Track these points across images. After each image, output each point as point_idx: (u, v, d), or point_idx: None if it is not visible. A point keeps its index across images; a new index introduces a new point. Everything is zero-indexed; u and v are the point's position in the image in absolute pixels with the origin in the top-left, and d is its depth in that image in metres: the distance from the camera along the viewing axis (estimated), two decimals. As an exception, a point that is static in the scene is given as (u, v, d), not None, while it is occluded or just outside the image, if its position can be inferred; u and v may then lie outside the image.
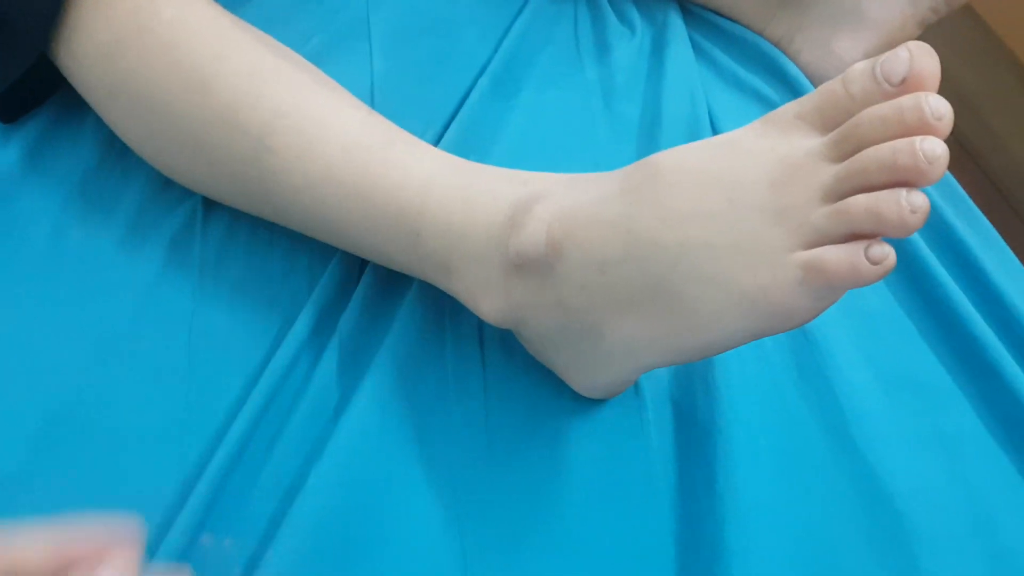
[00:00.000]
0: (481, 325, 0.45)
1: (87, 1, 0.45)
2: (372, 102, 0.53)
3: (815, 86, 0.58)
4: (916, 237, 0.51)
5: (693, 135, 0.54)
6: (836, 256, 0.31)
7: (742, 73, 0.58)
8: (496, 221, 0.39)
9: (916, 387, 0.47)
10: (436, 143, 0.52)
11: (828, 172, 0.32)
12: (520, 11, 0.60)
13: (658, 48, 0.59)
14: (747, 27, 0.61)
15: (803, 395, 0.45)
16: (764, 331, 0.34)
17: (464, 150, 0.49)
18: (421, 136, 0.52)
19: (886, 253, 0.30)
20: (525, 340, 0.42)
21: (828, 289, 0.31)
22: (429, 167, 0.42)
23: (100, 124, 0.50)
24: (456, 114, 0.53)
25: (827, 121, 0.33)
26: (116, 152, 0.50)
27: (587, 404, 0.43)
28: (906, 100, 0.30)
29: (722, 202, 0.33)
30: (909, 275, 0.50)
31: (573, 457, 0.42)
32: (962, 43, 0.79)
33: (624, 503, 0.40)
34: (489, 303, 0.40)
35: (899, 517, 0.42)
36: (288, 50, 0.47)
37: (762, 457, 0.42)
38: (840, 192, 0.32)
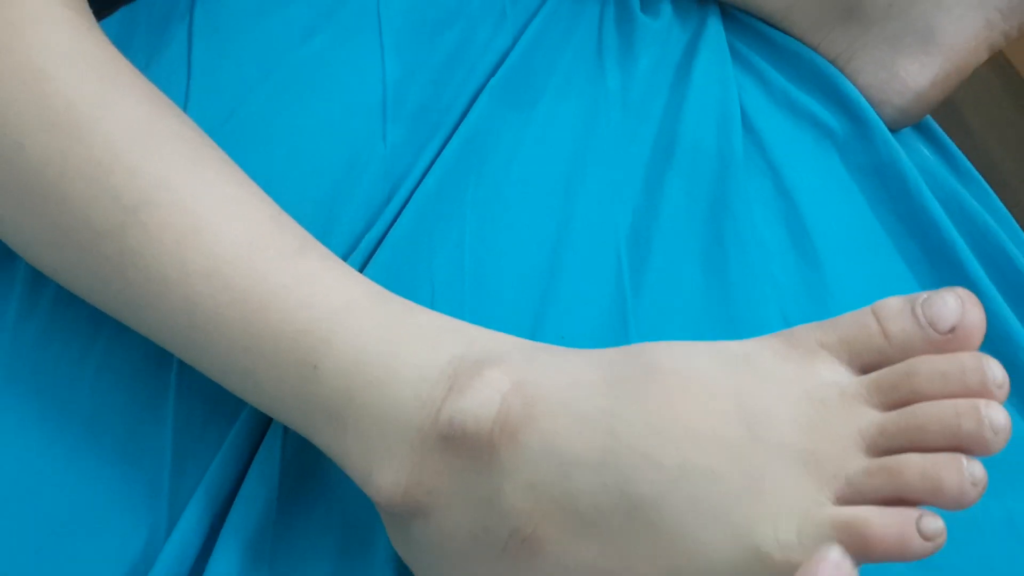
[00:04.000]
0: None
1: None
2: (384, 113, 0.48)
3: (876, 111, 0.52)
4: (991, 287, 0.45)
5: (718, 171, 0.48)
6: (884, 522, 0.27)
7: (795, 93, 0.52)
8: (427, 375, 0.31)
9: (991, 466, 0.42)
10: (439, 152, 0.46)
11: (868, 419, 0.29)
12: (541, 4, 0.54)
13: (688, 57, 0.53)
14: (799, 40, 0.55)
15: None
16: None
17: (465, 164, 0.44)
18: (426, 144, 0.46)
19: (941, 529, 0.27)
20: (411, 538, 0.33)
21: (862, 559, 0.27)
22: (349, 290, 0.34)
23: None
24: (462, 120, 0.47)
25: (855, 357, 0.30)
26: None
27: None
28: (968, 361, 0.28)
29: (738, 430, 0.29)
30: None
31: None
32: None
33: None
34: (390, 477, 0.31)
35: None
36: (180, 111, 0.39)
37: None
38: (885, 447, 0.28)
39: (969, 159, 0.56)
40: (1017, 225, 0.52)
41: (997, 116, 0.96)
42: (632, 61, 0.52)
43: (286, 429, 0.37)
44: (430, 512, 0.32)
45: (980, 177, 0.53)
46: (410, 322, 0.34)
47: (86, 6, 0.41)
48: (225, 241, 0.34)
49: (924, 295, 0.29)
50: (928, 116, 0.56)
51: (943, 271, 0.46)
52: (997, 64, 0.96)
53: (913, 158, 0.51)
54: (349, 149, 0.46)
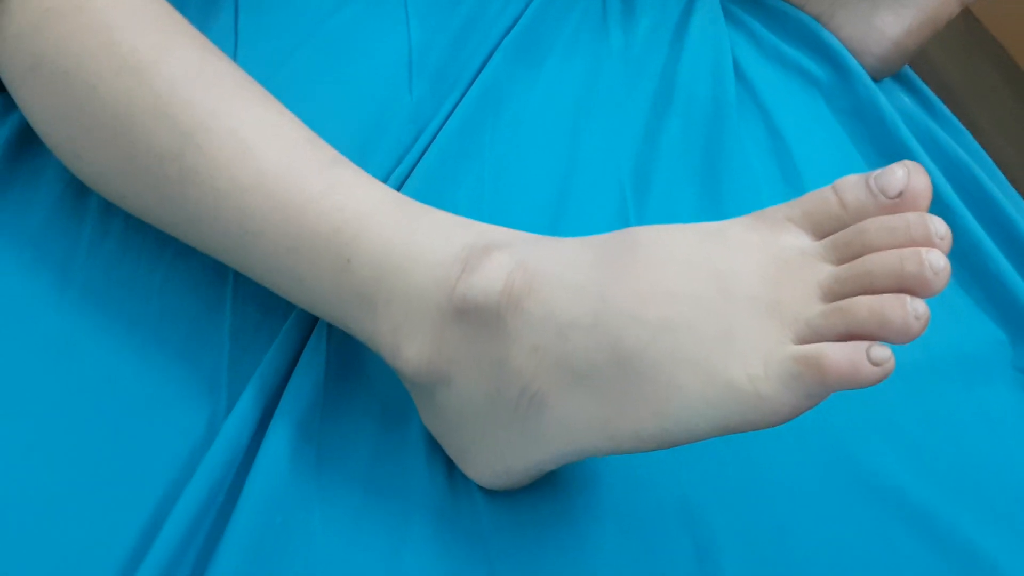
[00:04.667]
0: None
1: None
2: (410, 68, 0.53)
3: (858, 61, 0.57)
4: (962, 207, 0.50)
5: (712, 114, 0.54)
6: (837, 353, 0.29)
7: (784, 47, 0.58)
8: (443, 260, 0.36)
9: (965, 362, 0.46)
10: (459, 102, 0.52)
11: (825, 272, 0.32)
12: None
13: (684, 18, 0.59)
14: (787, 1, 0.60)
15: None
16: (737, 426, 0.31)
17: (482, 111, 0.49)
18: (447, 95, 0.52)
19: (888, 356, 0.29)
20: (436, 405, 0.38)
21: (821, 387, 0.30)
22: (376, 195, 0.39)
23: None
24: (479, 76, 0.53)
25: (816, 226, 0.33)
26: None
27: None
28: (912, 217, 0.31)
29: (710, 287, 0.32)
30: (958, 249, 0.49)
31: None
32: (948, 35, 0.80)
33: None
34: (415, 349, 0.36)
35: (944, 492, 0.42)
36: (228, 57, 0.44)
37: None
38: (839, 293, 0.31)
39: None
40: (992, 161, 0.56)
41: (1004, 110, 0.99)
42: (633, 23, 0.57)
43: (330, 327, 0.42)
44: (451, 379, 0.36)
45: (957, 120, 0.58)
46: (428, 219, 0.38)
47: None
48: (269, 158, 0.39)
49: (878, 171, 0.32)
50: (908, 67, 0.60)
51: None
52: (1001, 58, 0.99)
53: (893, 102, 0.56)
54: (379, 101, 0.52)
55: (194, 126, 0.39)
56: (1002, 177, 0.56)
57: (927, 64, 0.70)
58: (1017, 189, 0.57)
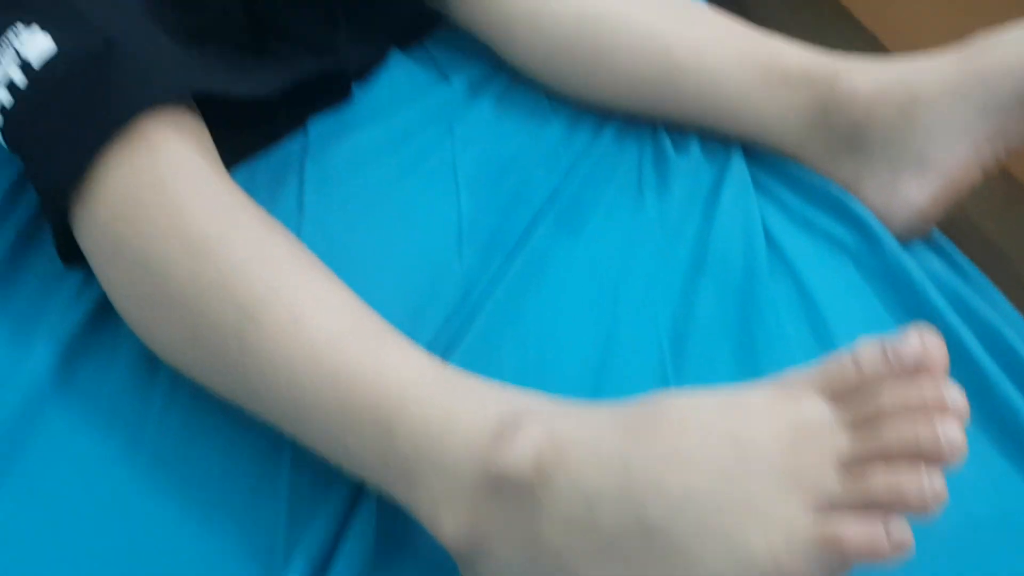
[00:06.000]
0: None
1: (110, 161, 0.45)
2: (460, 237, 0.57)
3: (886, 227, 0.60)
4: (996, 370, 0.51)
5: (745, 278, 0.56)
6: (856, 531, 0.31)
7: (811, 214, 0.60)
8: (478, 433, 0.37)
9: (1007, 523, 0.46)
10: (505, 269, 0.55)
11: (844, 439, 0.33)
12: (588, 150, 0.65)
13: (715, 188, 0.62)
14: (813, 169, 0.63)
15: None
16: None
17: (526, 278, 0.53)
18: (494, 263, 0.56)
19: (906, 537, 0.31)
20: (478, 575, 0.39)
21: (842, 565, 0.31)
22: (416, 366, 0.41)
23: None
24: (521, 244, 0.57)
25: (836, 393, 0.34)
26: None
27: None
28: (927, 388, 0.32)
29: (731, 457, 0.33)
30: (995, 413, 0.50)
31: None
32: (985, 191, 0.82)
33: None
34: (453, 521, 0.38)
35: None
36: (292, 234, 0.48)
37: None
38: (858, 460, 0.33)
39: (989, 265, 0.61)
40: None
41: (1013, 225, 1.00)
42: (667, 191, 0.61)
43: (379, 494, 0.44)
44: (490, 551, 0.37)
45: (986, 280, 0.59)
46: (463, 388, 0.40)
47: (216, 155, 0.51)
48: (320, 332, 0.42)
49: (894, 338, 0.34)
50: (936, 231, 0.63)
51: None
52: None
53: (922, 266, 0.58)
54: (431, 269, 0.56)
55: (254, 303, 0.42)
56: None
57: (965, 220, 0.72)
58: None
